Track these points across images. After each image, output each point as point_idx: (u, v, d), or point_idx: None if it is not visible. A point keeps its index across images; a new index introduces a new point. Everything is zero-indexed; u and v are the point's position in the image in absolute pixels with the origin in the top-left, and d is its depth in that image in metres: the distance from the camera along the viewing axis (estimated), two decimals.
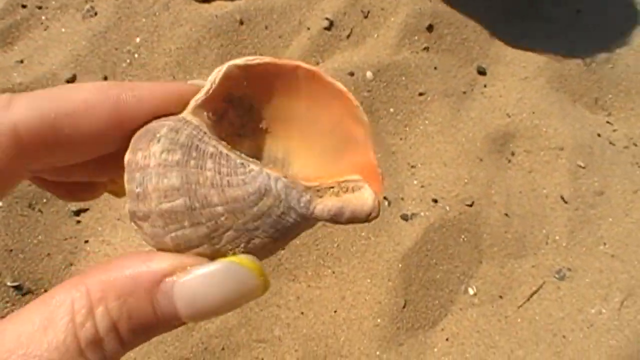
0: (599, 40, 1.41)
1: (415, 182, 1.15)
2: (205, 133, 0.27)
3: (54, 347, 0.22)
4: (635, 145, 1.29)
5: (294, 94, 0.29)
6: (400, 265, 1.03)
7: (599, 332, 1.05)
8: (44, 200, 1.01)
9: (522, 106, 1.25)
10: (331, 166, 0.29)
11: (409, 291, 1.03)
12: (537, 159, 1.21)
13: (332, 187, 0.27)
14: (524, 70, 1.31)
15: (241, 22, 1.22)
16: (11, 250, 0.95)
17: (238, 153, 0.27)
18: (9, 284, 0.93)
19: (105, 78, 1.15)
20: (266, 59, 0.29)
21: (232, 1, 1.24)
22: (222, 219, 0.26)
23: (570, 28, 1.43)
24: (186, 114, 0.29)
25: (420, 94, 1.23)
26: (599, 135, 1.27)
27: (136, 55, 1.18)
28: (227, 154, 0.27)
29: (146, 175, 0.26)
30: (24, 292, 0.94)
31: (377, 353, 0.98)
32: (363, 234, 1.06)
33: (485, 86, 1.29)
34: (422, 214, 1.10)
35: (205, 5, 1.23)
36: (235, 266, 0.25)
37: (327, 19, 1.25)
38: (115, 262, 0.24)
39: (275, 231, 0.26)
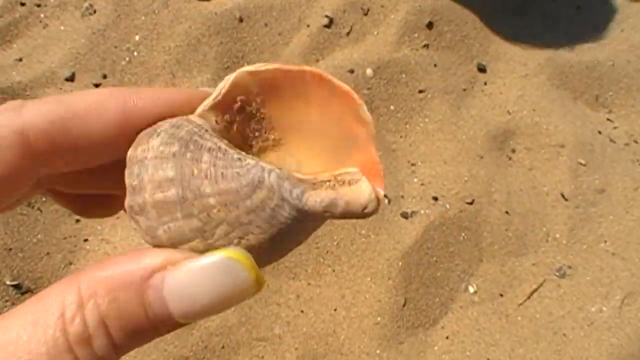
0: (599, 37, 1.41)
1: (415, 180, 1.15)
2: (206, 131, 0.27)
3: (43, 342, 0.22)
4: (636, 142, 1.28)
5: (303, 99, 0.29)
6: (400, 264, 1.03)
7: (600, 330, 1.05)
8: (43, 199, 1.01)
9: (523, 103, 1.25)
10: (331, 162, 0.29)
11: (409, 289, 1.03)
12: (538, 157, 1.21)
13: (329, 181, 0.26)
14: (525, 67, 1.31)
15: (241, 20, 1.22)
16: (10, 249, 0.95)
17: (238, 150, 0.27)
18: (8, 282, 0.93)
19: (105, 76, 1.15)
20: (274, 65, 0.28)
21: None
22: (215, 211, 0.25)
23: (571, 25, 1.43)
24: (192, 116, 0.28)
25: (420, 92, 1.23)
26: (599, 132, 1.27)
27: (135, 53, 1.18)
28: (225, 149, 0.26)
29: (143, 167, 0.26)
30: (23, 291, 0.94)
31: (378, 351, 0.98)
32: (363, 232, 1.06)
33: (485, 83, 1.29)
34: (422, 212, 1.10)
35: (205, 3, 1.23)
36: (226, 259, 0.24)
37: (326, 16, 1.25)
38: (109, 260, 0.24)
39: (270, 226, 0.25)
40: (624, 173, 1.22)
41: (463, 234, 1.10)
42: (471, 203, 1.12)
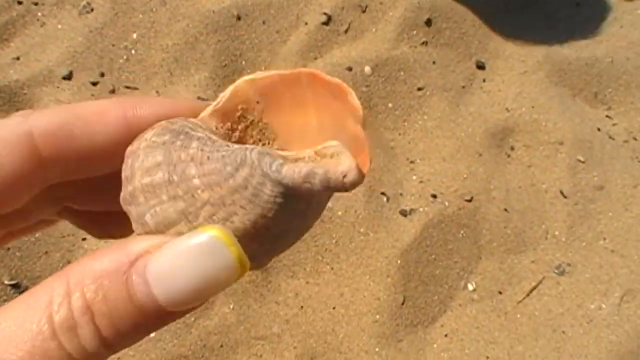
0: (598, 34, 1.41)
1: (414, 177, 1.15)
2: (200, 127, 0.27)
3: (28, 329, 0.22)
4: (635, 139, 1.28)
5: (301, 102, 0.29)
6: (399, 261, 1.03)
7: (599, 327, 1.04)
8: None
9: (522, 100, 1.25)
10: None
11: (408, 287, 1.03)
12: (537, 154, 1.21)
13: (310, 156, 0.26)
14: (523, 64, 1.31)
15: (238, 18, 1.21)
16: (8, 248, 0.95)
17: (227, 142, 0.27)
18: (6, 282, 0.93)
19: (102, 74, 1.14)
20: (272, 72, 0.28)
21: None
22: (199, 192, 0.25)
23: (570, 21, 1.42)
24: (192, 119, 0.29)
25: (419, 89, 1.22)
26: (598, 129, 1.27)
27: (133, 52, 1.17)
28: (215, 139, 0.26)
29: (135, 157, 0.27)
30: (21, 290, 0.94)
31: (377, 349, 0.98)
32: (362, 229, 1.06)
33: (484, 81, 1.29)
34: (421, 209, 1.10)
35: (203, 1, 1.23)
36: (205, 235, 0.24)
37: (325, 13, 1.25)
38: (99, 251, 0.24)
39: (254, 206, 0.25)
40: (623, 170, 1.22)
41: (462, 232, 1.10)
42: (470, 200, 1.12)
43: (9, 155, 0.26)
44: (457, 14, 1.31)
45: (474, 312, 1.05)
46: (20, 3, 1.19)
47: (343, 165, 0.25)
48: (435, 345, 1.01)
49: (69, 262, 0.98)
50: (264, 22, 1.23)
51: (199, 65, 1.17)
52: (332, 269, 1.04)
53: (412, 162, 1.17)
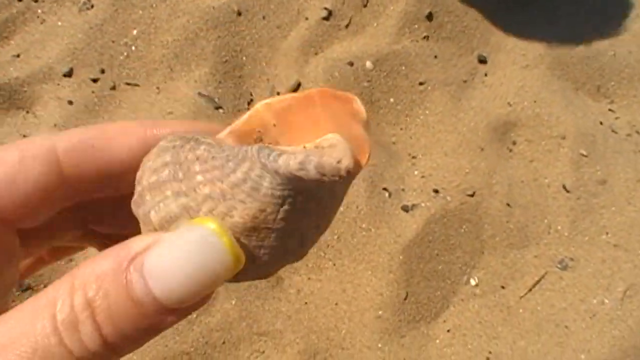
0: (600, 26, 1.40)
1: (416, 172, 1.14)
2: (211, 138, 0.28)
3: (32, 328, 0.22)
4: (638, 133, 1.28)
5: (316, 121, 0.29)
6: (401, 257, 1.03)
7: (602, 322, 1.04)
8: None
9: (524, 95, 1.24)
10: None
11: (410, 283, 1.03)
12: (539, 148, 1.20)
13: (309, 148, 0.26)
14: (525, 58, 1.30)
15: (239, 13, 1.21)
16: None
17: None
18: None
19: (103, 71, 1.14)
20: (287, 95, 0.29)
21: None
22: (201, 187, 0.25)
23: (572, 15, 1.42)
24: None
25: (421, 84, 1.22)
26: (601, 123, 1.26)
27: (133, 48, 1.17)
28: (223, 145, 0.27)
29: (146, 160, 0.28)
30: (24, 289, 0.94)
31: (379, 345, 0.98)
32: (364, 225, 1.05)
33: (486, 75, 1.28)
34: (423, 204, 1.09)
35: None
36: (196, 226, 0.24)
37: (325, 8, 1.24)
38: (103, 253, 0.25)
39: (253, 200, 0.25)
40: (626, 164, 1.21)
41: (464, 227, 1.09)
42: (472, 195, 1.11)
43: (33, 169, 0.28)
44: (458, 7, 1.31)
45: (477, 307, 1.04)
46: (20, 0, 1.19)
47: (338, 152, 0.25)
48: (437, 341, 1.01)
49: (71, 260, 0.98)
50: (264, 18, 1.23)
51: (200, 61, 1.16)
52: (334, 265, 1.03)
53: (413, 157, 1.16)
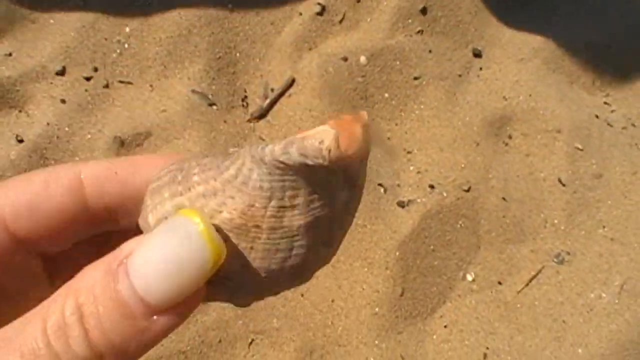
0: (596, 20, 1.39)
1: (411, 168, 1.14)
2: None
3: (20, 328, 0.23)
4: (634, 126, 1.27)
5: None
6: (397, 253, 1.03)
7: (599, 316, 1.04)
8: None
9: (519, 89, 1.24)
10: None
11: (406, 279, 1.02)
12: (535, 142, 1.20)
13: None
14: (520, 51, 1.30)
15: (232, 9, 1.20)
16: None
17: None
18: None
19: (96, 69, 1.13)
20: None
21: None
22: (196, 185, 0.26)
23: (567, 8, 1.41)
24: None
25: (415, 78, 1.21)
26: (596, 116, 1.26)
27: (126, 45, 1.16)
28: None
29: (154, 175, 0.29)
30: None
31: (376, 342, 0.98)
32: (359, 221, 1.05)
33: (481, 69, 1.28)
34: (418, 200, 1.09)
35: None
36: (175, 217, 0.24)
37: (319, 3, 1.23)
38: (99, 259, 0.25)
39: (243, 194, 0.25)
40: (622, 157, 1.21)
41: (460, 222, 1.09)
42: (468, 190, 1.11)
43: (57, 195, 0.28)
44: (452, 1, 1.30)
45: (474, 303, 1.04)
46: None
47: (321, 134, 0.25)
48: (434, 337, 1.01)
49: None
50: (257, 14, 1.22)
51: (193, 57, 1.16)
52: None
53: (409, 152, 1.16)
